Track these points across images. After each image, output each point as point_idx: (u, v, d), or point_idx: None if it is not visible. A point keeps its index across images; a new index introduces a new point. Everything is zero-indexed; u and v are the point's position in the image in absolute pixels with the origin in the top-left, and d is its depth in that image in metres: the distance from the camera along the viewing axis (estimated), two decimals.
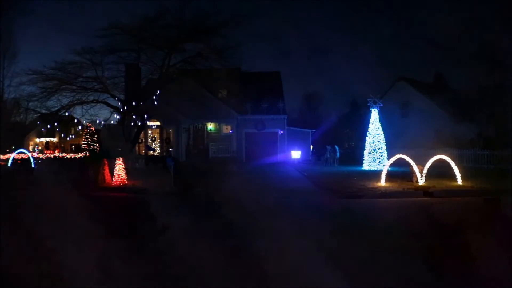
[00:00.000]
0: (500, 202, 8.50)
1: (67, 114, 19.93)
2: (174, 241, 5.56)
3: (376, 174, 13.29)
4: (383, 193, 10.12)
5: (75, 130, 27.51)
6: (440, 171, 11.87)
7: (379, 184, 11.43)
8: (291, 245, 5.43)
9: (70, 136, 26.15)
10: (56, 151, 31.42)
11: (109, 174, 12.82)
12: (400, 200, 9.55)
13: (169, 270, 4.55)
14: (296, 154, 25.85)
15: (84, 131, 26.52)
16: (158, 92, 19.85)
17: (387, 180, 11.50)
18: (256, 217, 7.21)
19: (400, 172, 12.81)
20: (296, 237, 5.79)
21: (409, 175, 11.77)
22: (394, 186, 11.13)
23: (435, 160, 11.31)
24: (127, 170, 13.17)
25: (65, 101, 19.05)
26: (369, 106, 18.94)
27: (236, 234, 6.01)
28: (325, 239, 5.70)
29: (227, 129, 26.71)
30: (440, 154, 11.60)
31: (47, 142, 37.50)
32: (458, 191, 10.29)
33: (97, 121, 20.50)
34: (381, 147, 18.41)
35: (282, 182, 13.79)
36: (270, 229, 6.35)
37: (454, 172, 11.41)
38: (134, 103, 19.05)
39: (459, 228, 6.22)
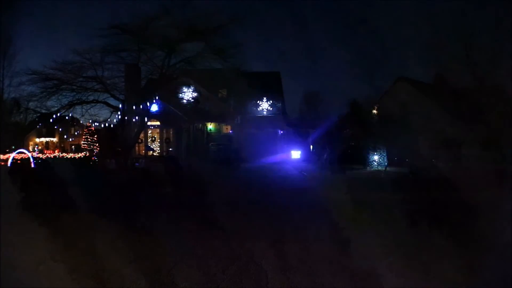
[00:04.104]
0: None
1: (69, 115, 19.93)
2: None
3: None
4: None
5: (75, 130, 27.50)
6: None
7: None
8: None
9: (75, 133, 26.11)
10: (56, 151, 31.49)
11: None
12: None
13: None
14: (296, 154, 25.85)
15: (84, 131, 26.57)
16: (158, 92, 19.82)
17: None
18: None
19: None
20: None
21: None
22: None
23: None
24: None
25: (65, 101, 18.99)
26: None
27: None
28: None
29: (227, 129, 26.71)
30: None
31: (47, 142, 37.54)
32: None
33: (97, 122, 20.46)
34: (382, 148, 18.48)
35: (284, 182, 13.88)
36: None
37: None
38: (134, 103, 19.02)
39: None
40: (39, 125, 21.93)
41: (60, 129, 29.75)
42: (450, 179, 11.68)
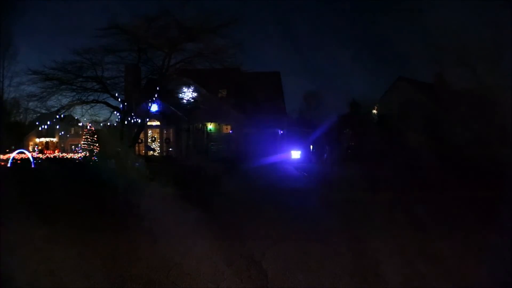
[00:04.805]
0: None
1: (69, 116, 20.03)
2: None
3: None
4: None
5: (76, 131, 27.53)
6: None
7: None
8: None
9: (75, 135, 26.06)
10: (56, 151, 31.47)
11: None
12: None
13: None
14: (296, 154, 25.85)
15: (84, 131, 26.56)
16: (158, 92, 19.86)
17: None
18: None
19: None
20: None
21: None
22: None
23: None
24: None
25: (65, 101, 19.08)
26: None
27: None
28: None
29: (227, 129, 26.72)
30: None
31: (47, 142, 37.50)
32: None
33: (97, 122, 20.51)
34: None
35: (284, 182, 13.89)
36: None
37: None
38: (134, 103, 19.06)
39: None
40: (41, 128, 22.00)
41: (60, 133, 29.79)
42: (446, 178, 11.74)
